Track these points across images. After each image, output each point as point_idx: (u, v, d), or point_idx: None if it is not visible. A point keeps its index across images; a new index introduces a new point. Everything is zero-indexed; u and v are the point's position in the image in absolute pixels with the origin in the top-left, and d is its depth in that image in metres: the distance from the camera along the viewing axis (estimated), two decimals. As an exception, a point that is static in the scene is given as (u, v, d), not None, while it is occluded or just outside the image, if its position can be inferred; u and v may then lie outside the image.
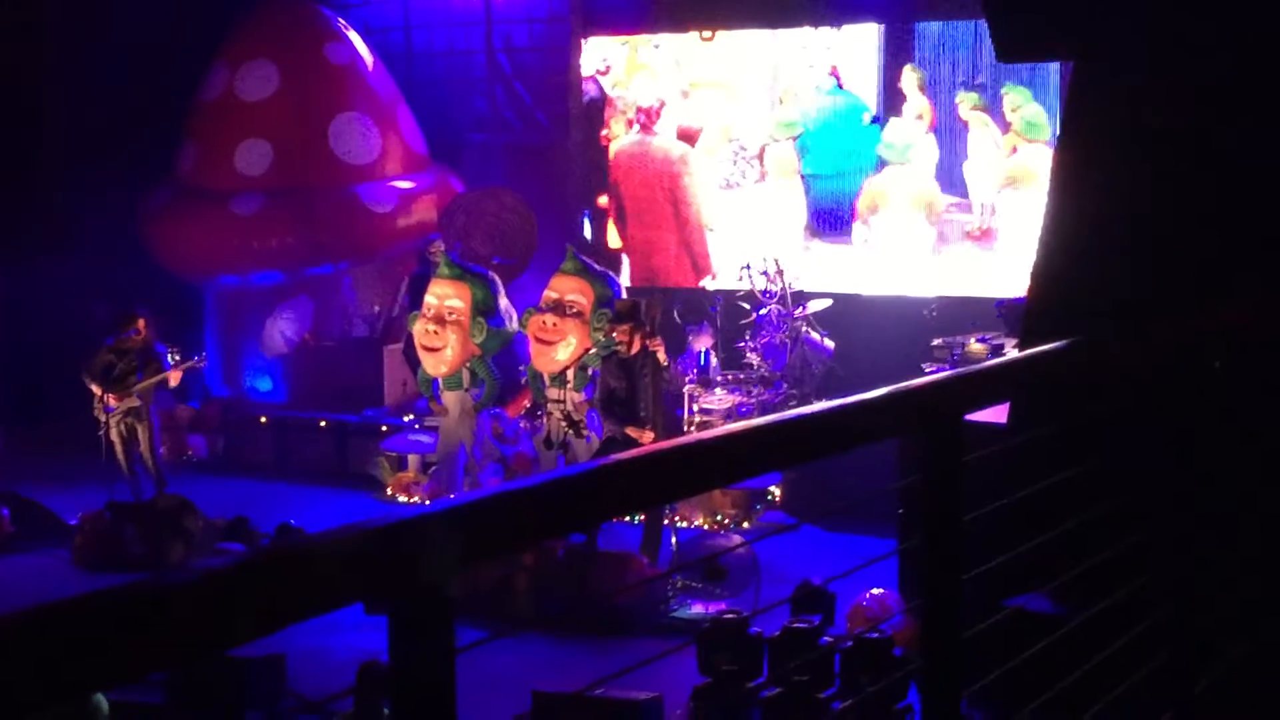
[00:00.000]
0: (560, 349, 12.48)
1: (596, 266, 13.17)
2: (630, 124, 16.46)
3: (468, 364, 12.96)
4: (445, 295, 12.95)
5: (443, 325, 12.85)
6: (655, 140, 16.38)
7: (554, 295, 12.71)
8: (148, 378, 12.85)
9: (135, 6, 16.53)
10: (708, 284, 15.99)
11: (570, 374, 12.42)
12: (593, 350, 12.29)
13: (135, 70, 16.27)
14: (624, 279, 15.52)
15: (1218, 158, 6.00)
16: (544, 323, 12.52)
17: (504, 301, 13.25)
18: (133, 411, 12.93)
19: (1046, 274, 6.70)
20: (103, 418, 12.90)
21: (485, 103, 17.54)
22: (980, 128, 14.65)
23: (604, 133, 16.61)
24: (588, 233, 16.63)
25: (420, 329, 13.02)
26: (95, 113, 16.52)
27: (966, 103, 14.71)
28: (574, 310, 12.54)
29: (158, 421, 13.38)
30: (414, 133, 17.07)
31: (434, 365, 13.01)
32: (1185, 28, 6.11)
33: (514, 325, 13.13)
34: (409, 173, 16.83)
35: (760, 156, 15.83)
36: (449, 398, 13.01)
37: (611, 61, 16.54)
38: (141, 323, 12.91)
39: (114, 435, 12.96)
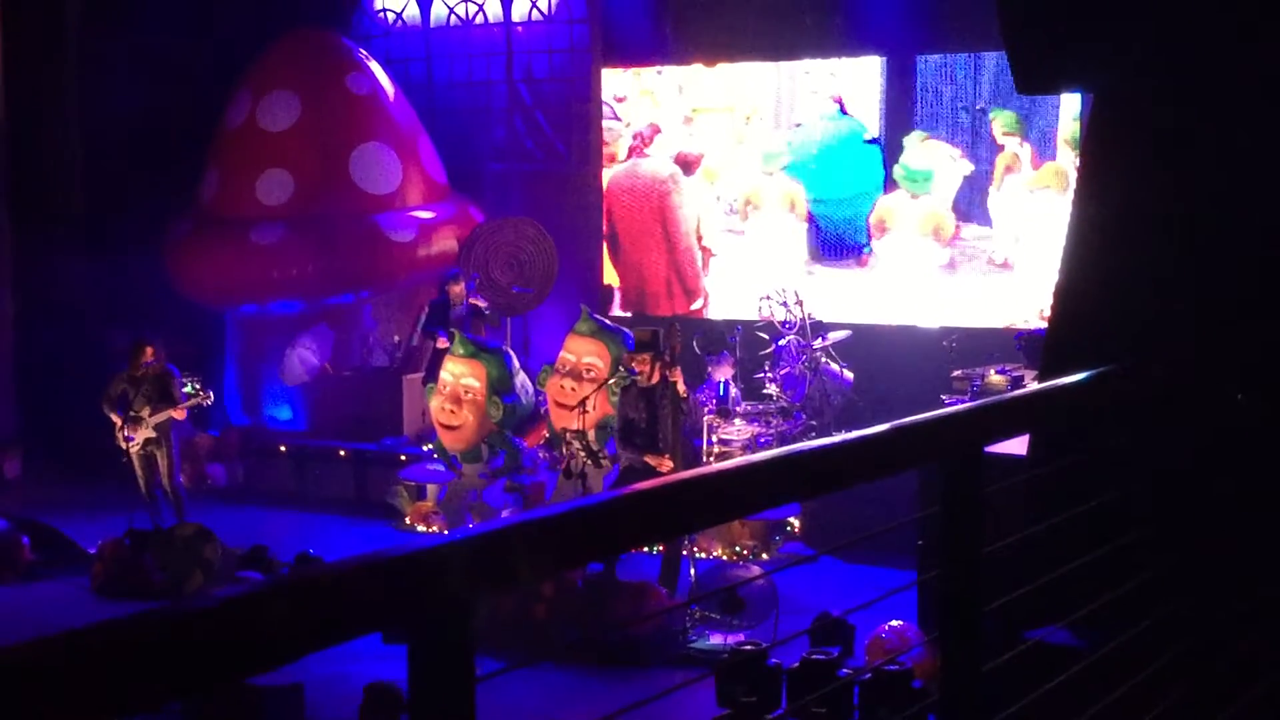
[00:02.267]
0: (578, 414, 12.51)
1: (610, 324, 13.22)
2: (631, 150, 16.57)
3: (486, 440, 13.05)
4: (461, 374, 13.03)
5: (459, 404, 12.93)
6: (646, 163, 16.45)
7: (571, 359, 12.76)
8: (157, 411, 12.87)
9: (158, 36, 16.63)
10: (705, 309, 16.03)
11: (591, 435, 12.41)
12: (611, 382, 12.29)
13: (158, 99, 16.37)
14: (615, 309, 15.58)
15: (1241, 189, 5.99)
16: (562, 387, 12.59)
17: (520, 378, 13.34)
18: (152, 440, 12.96)
19: (1066, 305, 6.69)
20: (123, 445, 12.95)
21: (505, 133, 17.60)
22: (1013, 152, 14.58)
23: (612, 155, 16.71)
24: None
25: (437, 407, 13.12)
26: (118, 142, 16.60)
27: (1001, 121, 14.63)
28: (591, 375, 12.60)
29: (178, 449, 13.40)
30: (434, 163, 17.12)
31: (452, 442, 13.10)
32: (1205, 58, 6.11)
33: (530, 399, 13.21)
34: (429, 202, 16.87)
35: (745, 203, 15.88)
36: (468, 470, 13.14)
37: (626, 91, 16.60)
38: (149, 351, 12.91)
39: (135, 463, 13.01)
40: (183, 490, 13.35)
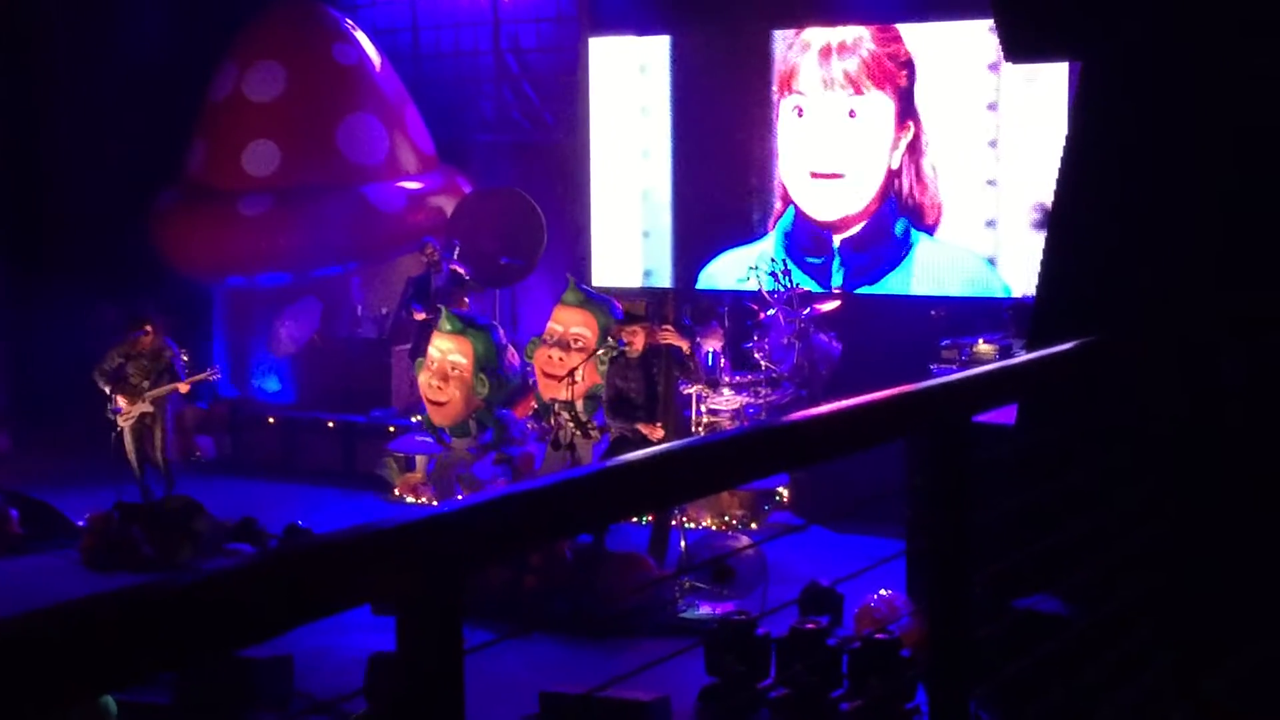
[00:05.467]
0: (567, 384, 12.50)
1: (598, 294, 13.23)
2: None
3: (473, 415, 13.07)
4: (448, 350, 13.04)
5: (446, 381, 12.96)
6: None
7: (559, 329, 12.78)
8: (160, 385, 12.89)
9: (143, 6, 16.54)
10: (716, 284, 15.99)
11: (580, 406, 12.40)
12: (600, 352, 12.29)
13: (143, 70, 16.28)
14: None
15: (1228, 155, 5.99)
16: (550, 357, 12.61)
17: (508, 353, 13.35)
18: (148, 414, 12.97)
19: (1055, 275, 6.70)
20: (114, 419, 12.96)
21: (493, 103, 17.55)
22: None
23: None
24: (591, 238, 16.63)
25: (425, 382, 13.16)
26: (103, 112, 16.52)
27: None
28: (579, 345, 12.62)
29: (171, 423, 13.42)
30: (422, 133, 17.08)
31: (440, 418, 13.12)
32: (1193, 26, 6.11)
33: (517, 376, 13.23)
34: (417, 173, 16.83)
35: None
36: (457, 444, 13.16)
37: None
38: (147, 327, 12.93)
39: (126, 436, 13.02)
40: (173, 464, 13.36)
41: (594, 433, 12.13)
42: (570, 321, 12.78)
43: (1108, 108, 6.42)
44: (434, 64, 17.82)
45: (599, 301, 13.04)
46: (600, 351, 12.29)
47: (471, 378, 12.90)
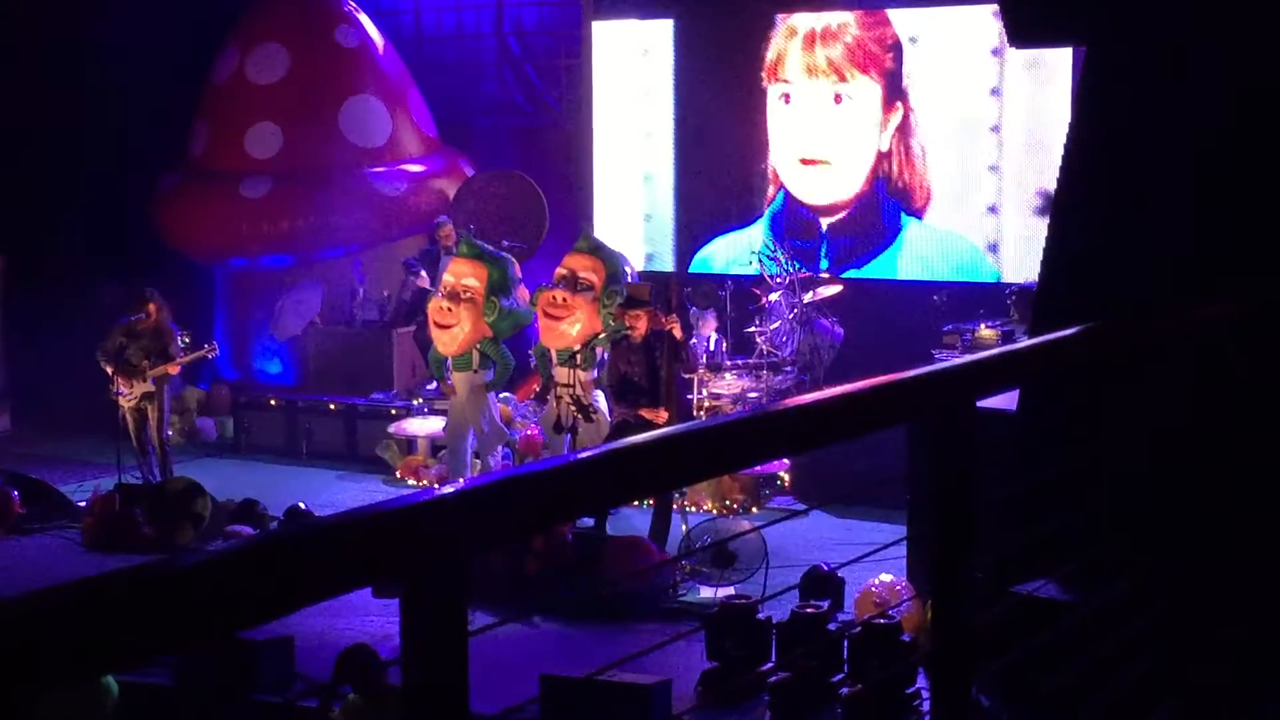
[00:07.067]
0: (569, 324, 12.43)
1: (609, 247, 13.16)
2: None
3: (478, 345, 12.95)
4: (462, 274, 12.95)
5: (457, 303, 12.83)
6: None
7: (565, 271, 12.68)
8: (156, 366, 12.86)
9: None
10: (709, 268, 15.98)
11: (579, 356, 12.39)
12: (602, 334, 12.27)
13: (146, 52, 16.25)
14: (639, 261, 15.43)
15: (1233, 142, 5.98)
16: (554, 298, 12.47)
17: (521, 289, 13.25)
18: (146, 395, 12.95)
19: (1058, 259, 6.69)
20: (116, 399, 12.96)
21: (495, 86, 17.53)
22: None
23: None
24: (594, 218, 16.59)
25: (434, 305, 13.02)
26: (106, 94, 16.49)
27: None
28: (585, 286, 12.51)
29: (169, 405, 13.39)
30: (424, 116, 17.06)
31: (445, 343, 12.99)
32: (1195, 12, 6.09)
33: (528, 310, 13.15)
34: (419, 156, 16.82)
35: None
36: (458, 379, 12.98)
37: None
38: (151, 306, 12.91)
39: (128, 418, 13.00)
40: (169, 445, 13.35)
41: (595, 416, 12.11)
42: (579, 266, 12.68)
43: (1112, 93, 6.41)
44: (436, 46, 17.80)
45: (610, 252, 12.96)
46: (603, 335, 12.27)
47: (482, 301, 12.81)
